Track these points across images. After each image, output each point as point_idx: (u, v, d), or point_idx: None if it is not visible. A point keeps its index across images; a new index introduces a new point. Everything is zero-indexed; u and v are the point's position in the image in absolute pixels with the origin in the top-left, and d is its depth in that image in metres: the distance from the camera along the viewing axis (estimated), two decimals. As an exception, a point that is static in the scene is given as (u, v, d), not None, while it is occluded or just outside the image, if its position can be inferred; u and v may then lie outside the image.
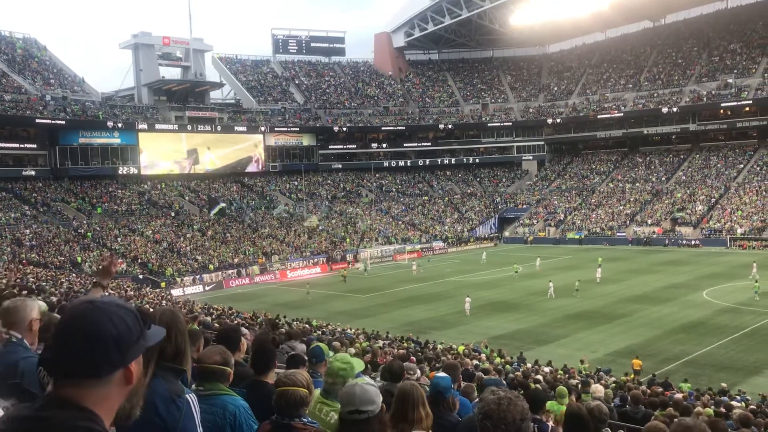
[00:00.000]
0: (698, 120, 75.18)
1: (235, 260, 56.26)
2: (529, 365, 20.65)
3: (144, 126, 67.25)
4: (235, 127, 74.47)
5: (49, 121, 60.28)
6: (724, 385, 18.86)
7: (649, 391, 15.11)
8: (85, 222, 57.53)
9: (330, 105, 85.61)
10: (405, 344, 21.47)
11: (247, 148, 75.77)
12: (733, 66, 77.03)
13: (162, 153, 68.73)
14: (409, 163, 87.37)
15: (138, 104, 72.20)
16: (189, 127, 70.72)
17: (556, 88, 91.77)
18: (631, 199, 72.44)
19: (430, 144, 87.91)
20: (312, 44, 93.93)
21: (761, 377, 22.33)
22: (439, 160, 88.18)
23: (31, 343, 3.51)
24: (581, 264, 51.76)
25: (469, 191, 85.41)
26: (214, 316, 21.37)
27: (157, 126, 68.58)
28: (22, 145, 61.41)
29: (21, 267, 39.86)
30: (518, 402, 2.33)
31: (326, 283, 50.45)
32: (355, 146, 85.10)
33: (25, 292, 11.85)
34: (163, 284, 47.90)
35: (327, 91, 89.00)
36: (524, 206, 79.41)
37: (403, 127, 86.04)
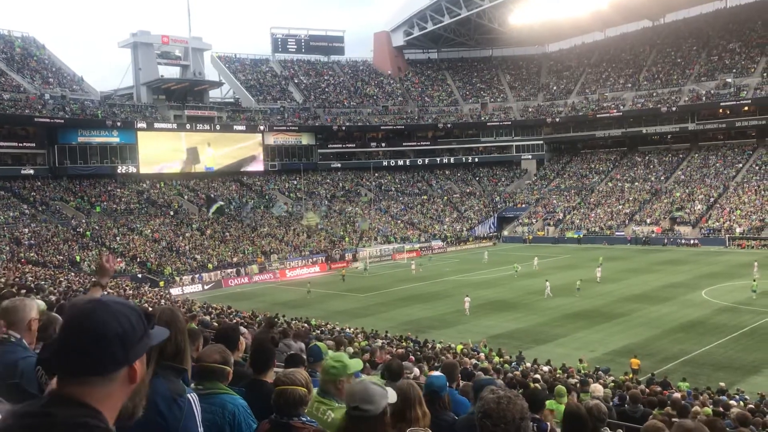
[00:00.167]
0: (697, 119, 75.23)
1: (234, 259, 56.25)
2: (528, 364, 20.67)
3: (143, 125, 67.21)
4: (234, 127, 74.44)
5: (47, 120, 60.22)
6: (722, 384, 18.88)
7: (647, 390, 15.13)
8: (83, 221, 57.49)
9: (329, 104, 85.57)
10: (404, 343, 21.48)
11: (250, 146, 75.72)
12: (732, 65, 77.07)
13: (161, 152, 68.66)
14: (408, 163, 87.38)
15: (137, 103, 72.15)
16: (188, 126, 70.67)
17: (555, 88, 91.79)
18: (630, 199, 72.49)
19: (429, 143, 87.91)
20: (311, 43, 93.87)
21: (760, 376, 22.36)
22: (438, 159, 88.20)
23: (29, 343, 3.51)
24: (580, 263, 51.80)
25: (468, 190, 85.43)
26: (212, 315, 21.36)
27: (156, 125, 68.55)
28: (20, 144, 61.39)
29: (20, 266, 39.82)
30: (518, 401, 2.34)
31: (325, 282, 50.45)
32: (354, 145, 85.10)
33: (23, 291, 11.84)
34: (161, 283, 47.89)
35: (326, 90, 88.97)
36: (523, 205, 79.44)
37: (402, 127, 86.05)
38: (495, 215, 78.61)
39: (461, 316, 34.69)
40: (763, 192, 64.27)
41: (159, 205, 64.55)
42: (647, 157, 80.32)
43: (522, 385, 10.91)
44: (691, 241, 60.70)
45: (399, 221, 74.97)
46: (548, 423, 5.80)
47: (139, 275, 48.83)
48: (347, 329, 26.05)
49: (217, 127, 72.93)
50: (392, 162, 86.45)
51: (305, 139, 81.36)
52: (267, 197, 73.27)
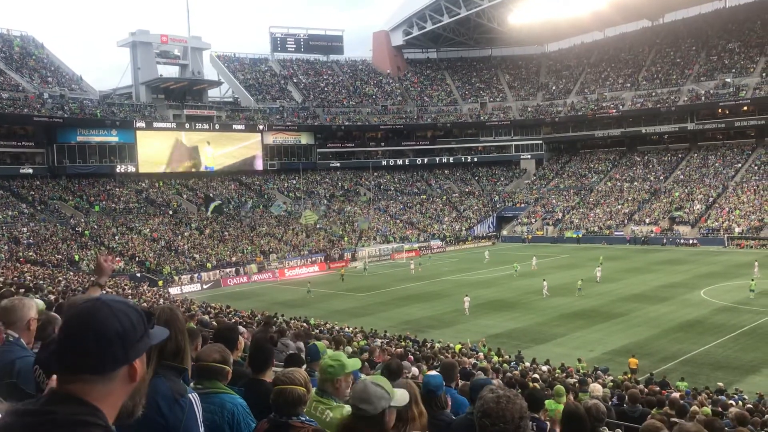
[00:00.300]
0: (696, 119, 75.27)
1: (233, 259, 56.24)
2: (527, 364, 20.67)
3: (142, 124, 67.19)
4: (233, 126, 74.40)
5: (46, 119, 60.17)
6: (720, 384, 18.89)
7: (646, 390, 15.14)
8: (82, 220, 57.47)
9: (328, 103, 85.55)
10: (403, 343, 21.49)
11: (249, 146, 75.69)
12: (731, 65, 77.11)
13: (161, 151, 68.62)
14: (407, 162, 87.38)
15: (136, 102, 72.13)
16: (187, 126, 70.63)
17: (554, 87, 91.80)
18: (629, 198, 72.53)
19: (428, 143, 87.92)
20: (310, 43, 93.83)
21: (758, 376, 22.38)
22: (437, 158, 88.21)
23: (27, 342, 3.51)
24: (579, 263, 51.83)
25: (467, 190, 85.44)
26: (211, 315, 21.37)
27: (155, 124, 68.52)
28: (19, 143, 61.35)
29: (18, 265, 39.83)
30: (517, 400, 2.34)
31: (324, 281, 50.45)
32: (353, 145, 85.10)
33: (22, 290, 11.83)
34: (160, 283, 47.86)
35: (325, 89, 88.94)
36: (522, 205, 79.47)
37: (402, 126, 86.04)
38: (494, 215, 78.64)
39: (460, 315, 34.70)
40: (762, 192, 64.32)
41: (158, 205, 64.54)
42: (646, 157, 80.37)
43: (521, 385, 10.92)
44: (690, 241, 60.74)
45: (398, 221, 74.97)
46: (547, 422, 5.81)
47: (138, 274, 48.81)
48: (346, 328, 26.07)
49: (216, 126, 72.88)
50: (391, 161, 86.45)
51: (304, 139, 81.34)
52: (266, 197, 73.26)
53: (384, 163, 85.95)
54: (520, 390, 8.74)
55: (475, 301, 36.33)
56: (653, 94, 79.53)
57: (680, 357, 25.09)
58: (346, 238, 66.52)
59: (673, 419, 8.94)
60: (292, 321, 26.19)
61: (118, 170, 66.10)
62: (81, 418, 1.45)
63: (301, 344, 11.16)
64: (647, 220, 66.97)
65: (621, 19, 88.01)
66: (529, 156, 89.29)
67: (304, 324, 25.54)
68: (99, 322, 1.51)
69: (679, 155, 77.95)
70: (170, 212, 63.57)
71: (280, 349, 9.28)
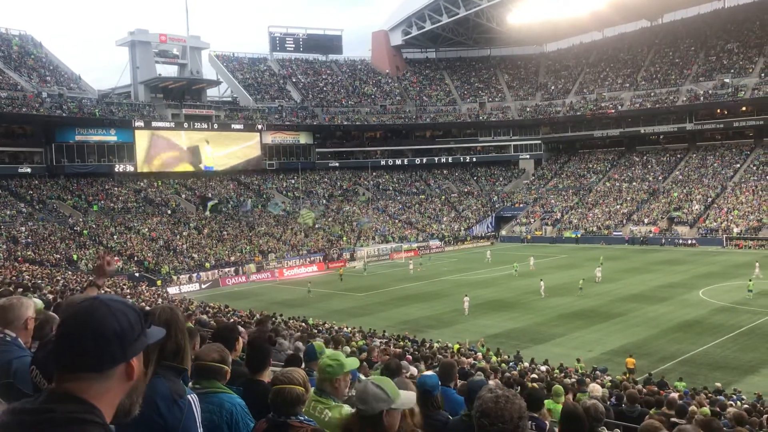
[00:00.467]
0: (695, 119, 75.32)
1: (232, 258, 56.22)
2: (525, 364, 20.67)
3: (140, 123, 67.14)
4: (232, 125, 74.34)
5: (45, 118, 60.08)
6: (718, 384, 18.91)
7: (645, 390, 15.14)
8: (81, 219, 57.42)
9: (327, 103, 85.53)
10: (402, 343, 21.49)
11: (248, 145, 75.61)
12: (730, 65, 77.17)
13: (160, 151, 68.55)
14: (406, 162, 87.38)
15: (134, 102, 72.07)
16: (186, 125, 70.59)
17: (553, 87, 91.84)
18: (628, 199, 72.57)
19: (427, 143, 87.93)
20: (309, 42, 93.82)
21: (757, 376, 22.40)
22: (436, 158, 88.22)
23: (25, 342, 3.50)
24: (578, 263, 51.87)
25: (466, 190, 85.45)
26: (210, 315, 21.37)
27: (154, 123, 68.47)
28: (18, 143, 61.26)
29: (17, 264, 39.78)
30: (516, 400, 2.33)
31: (323, 281, 50.44)
32: (352, 145, 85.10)
33: (20, 289, 11.82)
34: (159, 282, 47.85)
35: (324, 89, 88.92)
36: (521, 205, 79.50)
37: (401, 126, 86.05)
38: (493, 215, 78.65)
39: (459, 315, 34.70)
40: (760, 192, 64.38)
41: (156, 204, 64.49)
42: (645, 157, 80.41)
43: (519, 385, 10.92)
44: (689, 241, 60.78)
45: (397, 221, 74.97)
46: (547, 422, 5.80)
47: (137, 274, 48.78)
48: (345, 328, 26.07)
49: (215, 126, 72.84)
50: (390, 161, 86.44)
51: (303, 139, 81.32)
52: (265, 196, 73.23)
53: (383, 162, 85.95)
54: (518, 390, 8.75)
55: (474, 301, 36.34)
56: (652, 94, 79.58)
57: (679, 357, 25.11)
58: (344, 238, 66.50)
59: (672, 419, 8.94)
60: (291, 321, 26.21)
61: (116, 170, 66.04)
62: (79, 416, 1.46)
63: (299, 344, 11.15)
64: (646, 221, 67.01)
65: (620, 19, 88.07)
66: (527, 156, 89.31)
67: (303, 324, 25.56)
68: (97, 320, 1.52)
69: (678, 155, 78.00)
70: (169, 212, 63.53)
71: (279, 349, 9.28)
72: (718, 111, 74.20)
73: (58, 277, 32.44)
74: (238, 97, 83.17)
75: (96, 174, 65.60)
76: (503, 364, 19.24)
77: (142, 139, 66.99)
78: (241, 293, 46.88)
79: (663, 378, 19.44)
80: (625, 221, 68.24)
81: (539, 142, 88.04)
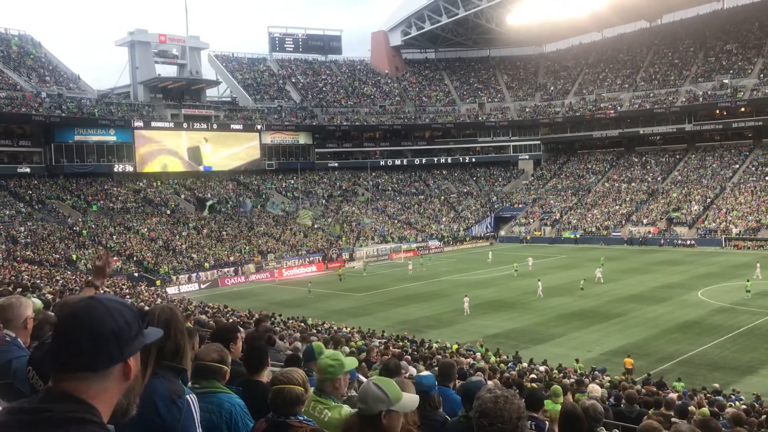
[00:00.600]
0: (694, 120, 75.35)
1: (231, 258, 56.19)
2: (524, 364, 20.67)
3: (140, 124, 67.13)
4: (231, 126, 74.33)
5: (44, 118, 60.05)
6: (716, 385, 18.90)
7: (643, 390, 15.15)
8: (80, 219, 57.39)
9: (326, 103, 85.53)
10: (401, 343, 21.48)
11: (247, 145, 75.59)
12: (729, 66, 77.23)
13: (159, 151, 68.53)
14: (405, 162, 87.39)
15: (134, 102, 72.03)
16: (185, 125, 70.57)
17: (552, 88, 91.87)
18: (627, 199, 72.60)
19: (426, 143, 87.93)
20: (309, 42, 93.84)
21: (756, 377, 22.41)
22: (435, 159, 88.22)
23: (24, 342, 3.49)
24: (577, 263, 51.87)
25: (465, 190, 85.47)
26: (209, 315, 21.36)
27: (153, 124, 68.44)
28: (17, 143, 61.21)
29: (16, 264, 39.76)
30: (515, 400, 2.33)
31: (323, 281, 50.42)
32: (351, 145, 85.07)
33: (19, 289, 11.81)
34: (158, 282, 47.81)
35: (323, 89, 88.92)
36: (520, 205, 79.51)
37: (400, 126, 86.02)
38: (492, 215, 78.67)
39: (458, 315, 34.70)
40: (759, 193, 64.42)
41: (156, 204, 64.47)
42: (644, 158, 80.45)
43: (518, 386, 10.92)
44: (688, 242, 60.81)
45: (396, 221, 74.98)
46: (546, 422, 5.80)
47: (136, 274, 48.74)
48: (344, 329, 26.06)
49: (215, 126, 72.83)
50: (389, 162, 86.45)
51: (302, 139, 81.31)
52: (264, 196, 73.21)
53: (382, 163, 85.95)
54: (517, 390, 8.75)
55: (473, 301, 36.33)
56: (651, 94, 79.63)
57: (677, 357, 25.12)
58: (344, 238, 66.49)
59: (672, 420, 8.94)
60: (290, 321, 26.20)
61: (115, 170, 66.01)
62: (76, 416, 1.46)
63: (298, 344, 11.15)
64: (645, 221, 67.03)
65: (619, 20, 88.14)
66: (527, 156, 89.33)
67: (302, 324, 25.56)
68: (94, 320, 1.52)
69: (677, 156, 78.04)
70: (168, 212, 63.51)
71: (277, 349, 9.27)
72: (717, 112, 74.23)
73: (58, 277, 32.43)
74: (238, 97, 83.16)
75: (95, 174, 65.57)
76: (502, 365, 19.24)
77: (141, 139, 66.95)
78: (240, 293, 46.86)
79: (662, 378, 19.45)
80: (624, 222, 68.26)
81: (538, 142, 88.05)
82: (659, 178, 74.68)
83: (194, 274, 51.73)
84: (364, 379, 5.87)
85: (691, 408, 11.29)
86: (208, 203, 64.93)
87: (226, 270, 53.95)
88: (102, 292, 4.74)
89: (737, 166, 71.25)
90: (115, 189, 65.00)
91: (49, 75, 67.79)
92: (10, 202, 57.04)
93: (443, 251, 67.15)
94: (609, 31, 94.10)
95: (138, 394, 1.69)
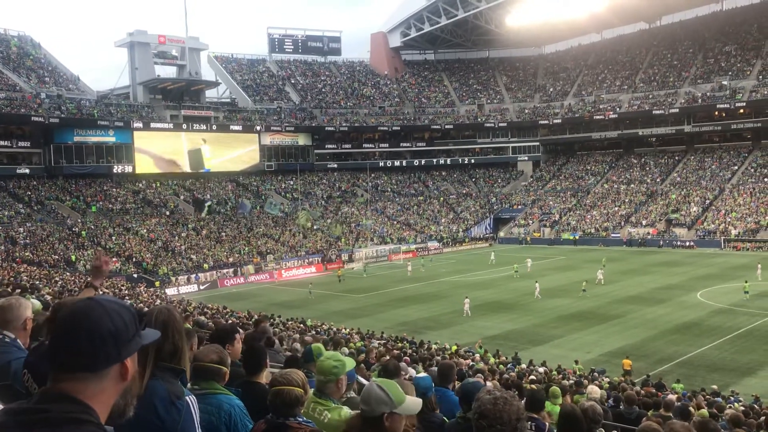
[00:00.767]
0: (693, 121, 75.40)
1: (230, 259, 56.16)
2: (524, 365, 20.67)
3: (139, 124, 67.09)
4: (231, 127, 74.32)
5: (43, 119, 59.99)
6: (715, 387, 18.91)
7: (643, 391, 15.15)
8: (79, 220, 57.35)
9: (326, 105, 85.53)
10: (400, 344, 21.47)
11: (247, 147, 75.54)
12: (728, 68, 77.30)
13: (160, 151, 68.49)
14: (404, 163, 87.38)
15: (133, 103, 71.99)
16: (184, 126, 70.55)
17: (551, 89, 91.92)
18: (626, 200, 72.62)
19: (425, 144, 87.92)
20: (308, 44, 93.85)
21: (754, 378, 22.42)
22: (434, 160, 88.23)
23: (24, 343, 3.48)
24: (576, 265, 51.87)
25: (464, 191, 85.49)
26: (208, 316, 21.35)
27: (153, 125, 68.39)
28: (16, 143, 61.17)
29: (15, 265, 39.72)
30: (514, 402, 2.33)
31: (322, 282, 50.40)
32: (350, 146, 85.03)
33: (18, 290, 11.80)
34: (157, 283, 47.78)
35: (323, 90, 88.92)
36: (519, 207, 79.52)
37: (399, 128, 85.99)
38: (491, 216, 78.68)
39: (457, 316, 34.70)
40: (758, 194, 64.45)
41: (155, 205, 64.43)
42: (643, 159, 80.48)
43: (517, 387, 10.91)
44: (687, 243, 60.82)
45: (395, 222, 74.97)
46: (546, 423, 5.80)
47: (135, 275, 48.71)
48: (343, 330, 26.04)
49: (214, 127, 72.81)
50: (389, 163, 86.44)
51: (302, 140, 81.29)
52: (263, 197, 73.19)
53: (381, 164, 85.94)
54: (516, 392, 8.73)
55: (473, 302, 36.33)
56: (650, 96, 79.68)
57: (677, 359, 25.12)
58: (343, 240, 66.47)
59: (668, 423, 8.91)
60: (290, 322, 26.19)
61: (115, 171, 65.97)
62: (74, 416, 1.46)
63: (297, 345, 11.15)
64: (644, 222, 67.05)
65: (618, 22, 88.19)
66: (526, 158, 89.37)
67: (301, 325, 25.56)
68: (92, 321, 1.53)
69: (676, 157, 78.07)
70: (167, 213, 63.47)
71: (275, 350, 9.27)
72: (716, 113, 74.25)
73: (57, 278, 32.44)
74: (237, 98, 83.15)
75: (94, 175, 65.53)
76: (501, 366, 19.23)
77: (140, 140, 66.92)
78: (240, 294, 46.83)
79: (661, 380, 19.45)
80: (623, 223, 68.28)
81: (537, 143, 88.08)
82: (658, 180, 74.71)
83: (193, 275, 51.71)
84: (363, 381, 5.87)
85: (690, 409, 11.29)
86: (207, 204, 64.98)
87: (225, 271, 53.93)
88: (101, 293, 4.74)
89: (736, 167, 71.29)
90: (114, 190, 64.97)
91: (48, 76, 67.76)
92: (9, 203, 56.99)
93: (442, 252, 67.14)
94: (608, 32, 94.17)
95: (135, 395, 1.70)
